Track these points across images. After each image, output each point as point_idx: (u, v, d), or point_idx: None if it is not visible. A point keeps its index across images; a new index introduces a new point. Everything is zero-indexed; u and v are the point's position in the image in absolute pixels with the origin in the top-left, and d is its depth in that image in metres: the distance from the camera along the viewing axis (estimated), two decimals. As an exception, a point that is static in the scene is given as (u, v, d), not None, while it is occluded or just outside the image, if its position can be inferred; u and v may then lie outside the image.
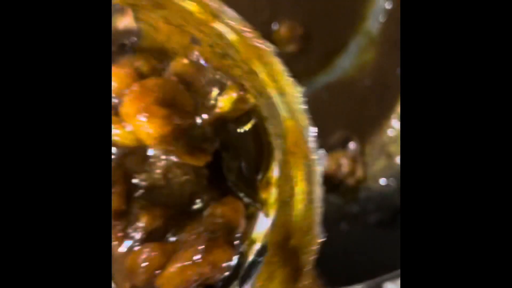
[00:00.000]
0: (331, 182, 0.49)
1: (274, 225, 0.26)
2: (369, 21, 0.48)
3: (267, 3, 0.47)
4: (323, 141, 0.48)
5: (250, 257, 0.26)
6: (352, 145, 0.48)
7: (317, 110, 0.48)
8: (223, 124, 0.26)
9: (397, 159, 0.49)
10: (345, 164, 0.48)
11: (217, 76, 0.26)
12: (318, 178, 0.26)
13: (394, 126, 0.49)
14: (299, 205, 0.26)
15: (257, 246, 0.26)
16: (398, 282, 0.49)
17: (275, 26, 0.47)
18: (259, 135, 0.27)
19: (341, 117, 0.49)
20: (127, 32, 0.35)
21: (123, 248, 0.24)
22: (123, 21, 0.43)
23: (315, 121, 0.50)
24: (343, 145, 0.48)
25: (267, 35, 0.47)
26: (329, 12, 0.47)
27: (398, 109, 0.49)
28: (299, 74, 0.47)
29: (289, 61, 0.48)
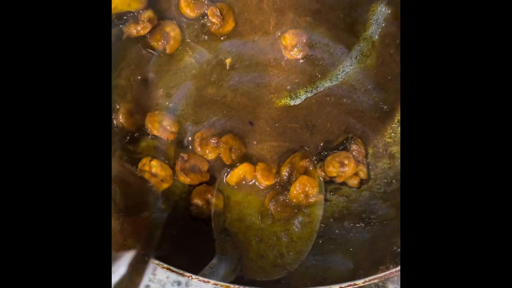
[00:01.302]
0: (335, 183, 0.50)
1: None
2: (371, 28, 0.48)
3: (273, 13, 0.47)
4: (327, 143, 0.49)
5: None
6: (355, 147, 0.49)
7: (322, 113, 0.49)
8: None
9: (399, 160, 0.49)
10: (348, 165, 0.48)
11: None
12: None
13: (395, 128, 0.50)
14: None
15: None
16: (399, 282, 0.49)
17: (281, 34, 0.48)
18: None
19: (344, 119, 0.49)
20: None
21: None
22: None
23: (320, 124, 0.50)
24: (347, 146, 0.49)
25: (274, 43, 0.48)
26: (332, 20, 0.48)
27: (399, 111, 0.49)
28: (305, 79, 0.48)
29: (294, 66, 0.49)
